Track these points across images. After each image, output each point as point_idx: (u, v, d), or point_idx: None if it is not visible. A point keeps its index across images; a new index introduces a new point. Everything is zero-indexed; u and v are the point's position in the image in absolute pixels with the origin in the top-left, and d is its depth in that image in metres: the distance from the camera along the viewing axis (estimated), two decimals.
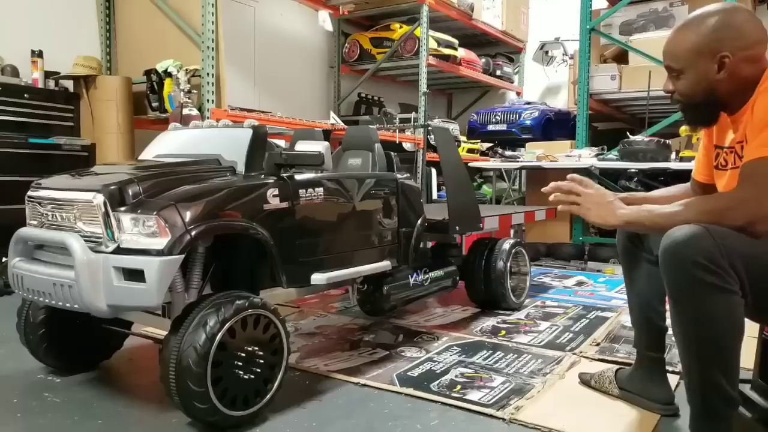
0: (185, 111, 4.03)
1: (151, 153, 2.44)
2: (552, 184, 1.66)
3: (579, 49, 5.63)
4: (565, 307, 3.47)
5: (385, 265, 2.58)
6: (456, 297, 3.51)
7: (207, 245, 2.01)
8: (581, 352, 2.58)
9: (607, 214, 1.57)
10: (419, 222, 2.83)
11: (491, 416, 1.91)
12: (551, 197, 1.65)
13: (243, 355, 1.79)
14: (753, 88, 1.51)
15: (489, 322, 3.10)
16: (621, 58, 5.71)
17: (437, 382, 2.20)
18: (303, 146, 2.21)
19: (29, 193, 2.09)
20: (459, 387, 2.15)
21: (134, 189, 1.82)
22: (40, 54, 4.12)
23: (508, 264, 3.26)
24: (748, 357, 1.69)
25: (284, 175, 2.13)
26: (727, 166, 1.65)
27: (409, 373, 2.29)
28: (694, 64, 1.57)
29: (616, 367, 2.17)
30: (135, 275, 1.73)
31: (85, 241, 1.80)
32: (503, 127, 7.00)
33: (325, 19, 6.18)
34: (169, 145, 2.43)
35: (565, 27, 7.11)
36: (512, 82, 8.27)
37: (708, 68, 1.55)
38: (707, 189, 1.80)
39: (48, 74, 4.19)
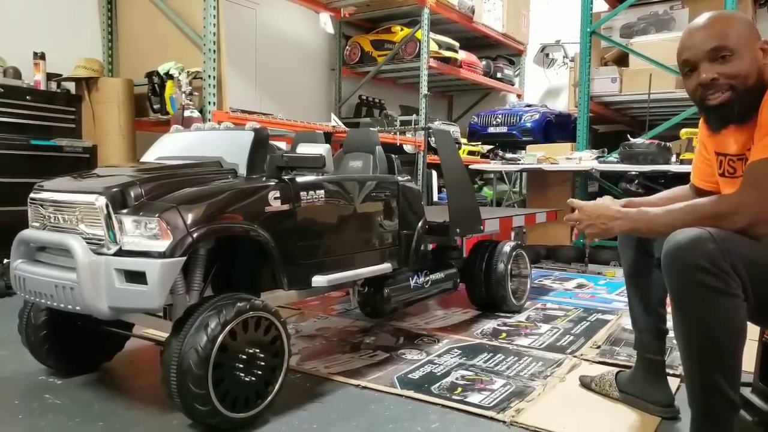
0: (187, 113, 4.04)
1: (152, 155, 2.45)
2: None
3: (579, 51, 5.64)
4: (565, 309, 3.47)
5: (385, 267, 2.58)
6: (456, 299, 3.51)
7: (208, 247, 2.01)
8: (582, 355, 2.58)
9: (604, 230, 1.64)
10: (420, 224, 2.83)
11: (492, 419, 1.91)
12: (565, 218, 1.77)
13: (244, 357, 1.79)
14: (763, 92, 1.50)
15: (489, 324, 3.10)
16: (621, 60, 5.72)
17: (438, 384, 2.20)
18: (304, 148, 2.22)
19: (31, 195, 2.10)
20: (459, 389, 2.15)
21: (136, 191, 1.83)
22: (42, 56, 4.13)
23: (509, 266, 3.26)
24: (748, 360, 1.69)
25: (285, 177, 2.14)
26: (736, 173, 1.63)
27: (409, 376, 2.30)
28: (748, 44, 1.52)
29: (616, 369, 2.17)
30: (137, 277, 1.73)
31: (87, 243, 1.81)
32: (504, 129, 7.01)
33: (326, 21, 6.19)
34: (170, 147, 2.44)
35: (565, 30, 7.12)
36: (513, 85, 8.28)
37: (757, 52, 1.52)
38: (706, 195, 1.80)
39: (50, 76, 4.20)
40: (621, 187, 5.32)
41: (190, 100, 4.15)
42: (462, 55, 7.00)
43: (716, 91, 1.54)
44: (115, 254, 1.77)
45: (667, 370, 2.02)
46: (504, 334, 2.91)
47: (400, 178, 2.78)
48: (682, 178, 4.46)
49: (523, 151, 6.02)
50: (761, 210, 1.42)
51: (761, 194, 1.42)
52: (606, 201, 1.71)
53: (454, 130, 6.78)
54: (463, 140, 7.03)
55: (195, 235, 1.79)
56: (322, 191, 2.26)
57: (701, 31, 1.56)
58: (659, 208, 1.58)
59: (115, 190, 1.81)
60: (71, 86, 4.40)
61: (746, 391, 1.88)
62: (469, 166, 5.27)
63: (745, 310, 1.37)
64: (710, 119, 1.63)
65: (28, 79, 4.08)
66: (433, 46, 6.39)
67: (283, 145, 3.80)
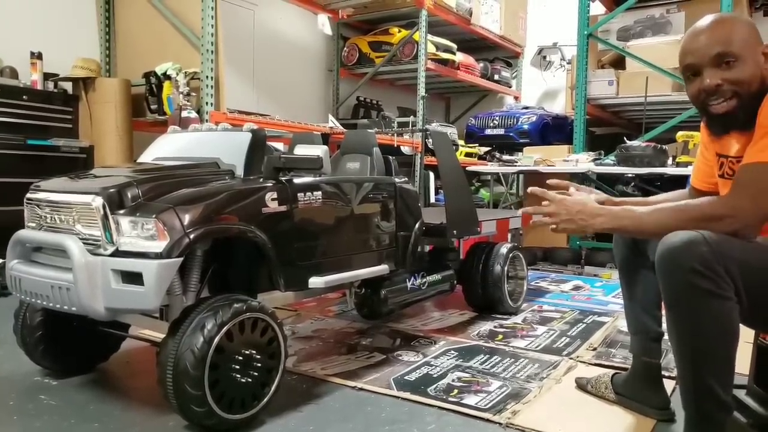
0: (184, 113, 4.04)
1: (149, 156, 2.44)
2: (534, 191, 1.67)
3: (577, 54, 5.65)
4: (561, 311, 3.48)
5: (382, 268, 2.58)
6: (453, 301, 3.51)
7: (205, 248, 2.01)
8: (578, 357, 2.58)
9: (583, 226, 1.58)
10: (417, 226, 2.83)
11: (488, 421, 1.91)
12: (521, 210, 1.65)
13: (240, 358, 1.79)
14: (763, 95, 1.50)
15: (486, 326, 3.10)
16: (618, 63, 5.73)
17: (434, 386, 2.20)
18: (302, 150, 2.22)
19: (28, 195, 2.09)
20: (456, 391, 2.15)
21: (133, 192, 1.82)
22: (39, 56, 4.12)
23: (506, 268, 3.26)
24: (743, 362, 1.70)
25: (283, 178, 2.14)
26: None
27: (406, 377, 2.30)
28: (751, 49, 1.51)
29: (612, 371, 2.18)
30: (133, 278, 1.73)
31: (83, 243, 1.80)
32: (501, 131, 7.01)
33: (324, 22, 6.20)
34: (168, 148, 2.43)
35: (562, 32, 7.13)
36: (510, 87, 8.29)
37: (759, 57, 1.51)
38: (705, 196, 1.80)
39: (47, 76, 4.19)
40: (618, 190, 5.34)
41: (188, 101, 4.14)
42: (459, 57, 7.01)
43: (720, 97, 1.52)
44: (112, 255, 1.77)
45: (663, 373, 2.02)
46: (500, 336, 2.91)
47: (397, 180, 2.78)
48: (679, 181, 4.49)
49: (520, 153, 6.02)
50: (754, 214, 1.43)
51: (754, 198, 1.42)
52: (583, 195, 1.68)
53: (452, 131, 6.78)
54: (461, 142, 7.04)
55: (192, 236, 1.78)
56: (320, 192, 2.26)
57: (705, 35, 1.54)
58: (646, 207, 1.55)
59: (112, 190, 1.81)
60: (68, 86, 4.39)
61: (741, 394, 1.88)
62: (466, 168, 5.27)
63: (737, 312, 1.37)
64: (713, 125, 1.62)
65: (25, 79, 4.07)
66: (431, 48, 6.40)
67: (280, 146, 3.80)
